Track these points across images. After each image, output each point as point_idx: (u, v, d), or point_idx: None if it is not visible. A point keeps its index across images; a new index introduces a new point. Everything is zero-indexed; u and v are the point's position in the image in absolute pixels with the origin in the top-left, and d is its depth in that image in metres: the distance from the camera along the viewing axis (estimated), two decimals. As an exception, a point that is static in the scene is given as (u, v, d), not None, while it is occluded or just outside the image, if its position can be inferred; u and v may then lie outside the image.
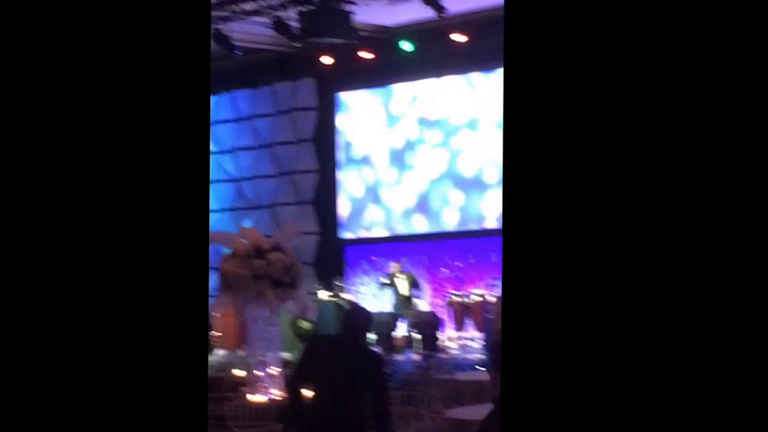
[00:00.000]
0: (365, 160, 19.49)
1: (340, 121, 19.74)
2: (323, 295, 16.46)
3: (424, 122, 18.60)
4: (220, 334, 16.61)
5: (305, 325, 16.39)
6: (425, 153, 18.60)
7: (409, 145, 18.84)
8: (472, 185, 18.10)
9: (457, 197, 18.30)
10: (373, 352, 6.81)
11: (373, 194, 19.38)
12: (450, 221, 18.42)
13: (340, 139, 19.75)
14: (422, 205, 18.73)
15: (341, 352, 5.99)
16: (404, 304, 16.48)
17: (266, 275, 10.04)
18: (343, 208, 19.71)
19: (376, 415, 5.81)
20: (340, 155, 19.74)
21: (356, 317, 6.25)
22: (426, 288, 18.55)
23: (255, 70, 19.76)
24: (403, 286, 16.55)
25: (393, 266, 16.92)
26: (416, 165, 18.75)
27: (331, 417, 5.84)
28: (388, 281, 16.74)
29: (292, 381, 6.34)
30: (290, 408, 6.39)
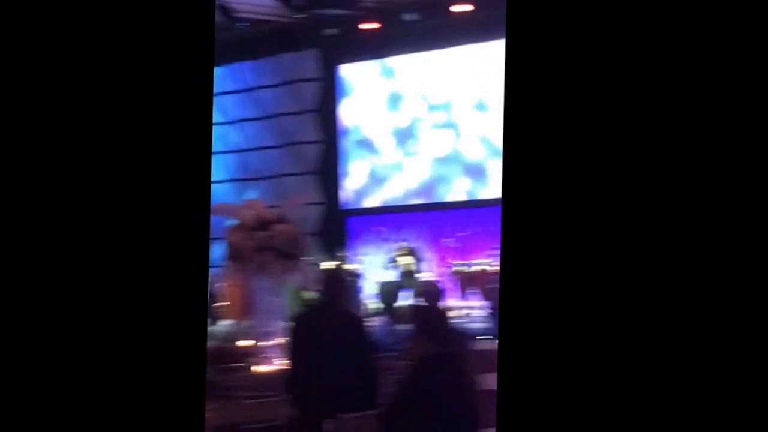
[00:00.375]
0: (369, 131, 19.57)
1: (344, 92, 19.79)
2: (326, 265, 16.56)
3: (428, 94, 18.66)
4: (226, 303, 16.72)
5: (309, 295, 16.49)
6: (429, 125, 18.67)
7: (413, 118, 18.91)
8: (476, 158, 18.17)
9: (461, 170, 18.38)
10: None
11: (376, 166, 19.47)
12: (454, 193, 18.50)
13: (344, 111, 19.82)
14: (426, 180, 18.83)
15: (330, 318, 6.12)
16: (408, 276, 16.60)
17: (271, 246, 10.14)
18: (346, 179, 19.80)
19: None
20: (344, 127, 19.81)
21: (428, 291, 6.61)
22: (428, 259, 18.68)
23: (258, 41, 19.78)
24: (407, 262, 16.65)
25: (398, 248, 16.99)
26: (421, 137, 18.83)
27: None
28: (394, 263, 16.81)
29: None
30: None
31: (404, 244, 17.20)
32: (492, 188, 17.90)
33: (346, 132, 19.81)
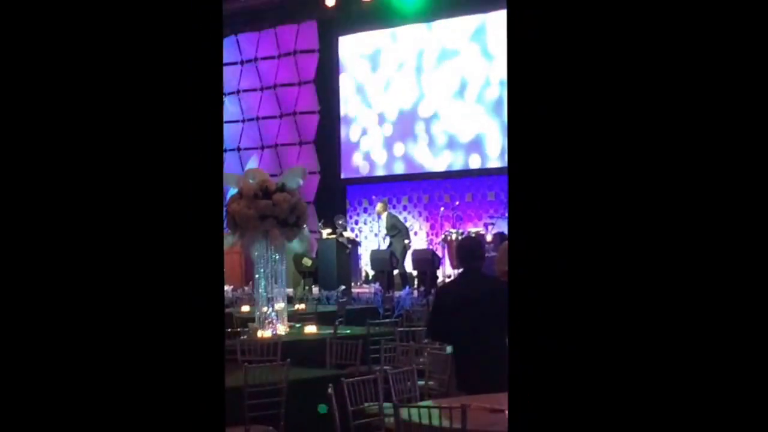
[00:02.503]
0: (367, 101, 19.76)
1: (343, 62, 19.98)
2: (326, 233, 16.79)
3: (429, 63, 18.84)
4: (225, 271, 16.92)
5: (308, 262, 16.75)
6: (429, 93, 18.86)
7: (416, 88, 19.10)
8: (478, 127, 18.37)
9: (459, 137, 18.58)
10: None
11: (375, 134, 19.68)
12: (453, 161, 18.72)
13: (343, 81, 20.00)
14: (426, 149, 19.04)
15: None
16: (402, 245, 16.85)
17: (272, 215, 10.26)
18: (345, 148, 20.02)
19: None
20: (343, 96, 20.01)
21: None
22: (424, 226, 18.97)
23: (259, 13, 19.96)
24: (382, 225, 16.87)
25: (378, 205, 17.24)
26: (422, 106, 19.04)
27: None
28: (393, 233, 17.04)
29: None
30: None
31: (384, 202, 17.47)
32: (491, 158, 18.14)
33: (345, 102, 20.02)
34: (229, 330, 9.85)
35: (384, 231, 17.00)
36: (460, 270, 7.12)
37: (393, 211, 18.09)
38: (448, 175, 18.67)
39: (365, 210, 20.01)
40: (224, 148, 20.93)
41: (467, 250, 6.69)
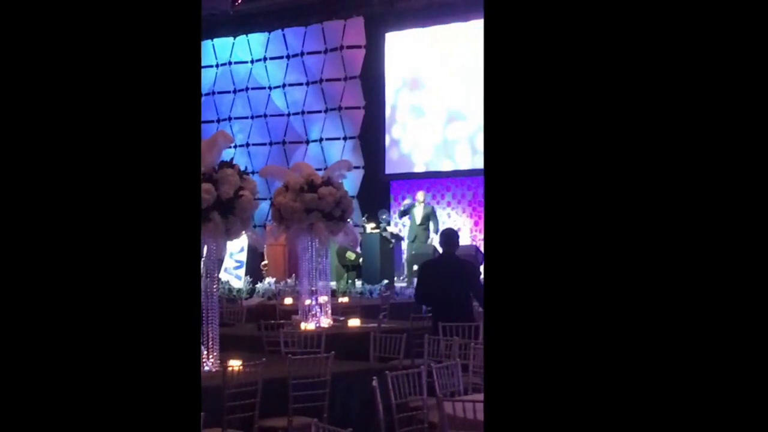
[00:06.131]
0: (412, 98, 19.77)
1: (389, 59, 19.99)
2: (369, 228, 16.83)
3: (476, 61, 18.81)
4: (267, 263, 17.03)
5: (351, 256, 16.78)
6: (474, 92, 18.83)
7: (460, 85, 19.08)
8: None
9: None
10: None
11: (419, 130, 19.68)
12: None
13: (389, 77, 20.01)
14: (468, 146, 19.02)
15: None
16: (417, 233, 16.85)
17: (317, 208, 10.31)
18: (389, 144, 20.04)
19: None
20: (388, 92, 20.02)
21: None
22: (468, 223, 18.96)
23: (306, 8, 20.03)
24: (419, 214, 16.89)
25: (419, 194, 17.25)
26: (466, 103, 19.01)
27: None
28: (405, 209, 17.11)
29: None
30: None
31: (427, 194, 17.47)
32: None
33: (391, 97, 20.04)
34: (272, 321, 9.90)
35: (418, 222, 16.97)
36: (440, 252, 10.04)
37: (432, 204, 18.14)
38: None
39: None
40: (270, 141, 21.06)
41: (446, 237, 9.56)
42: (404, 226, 18.56)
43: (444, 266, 9.38)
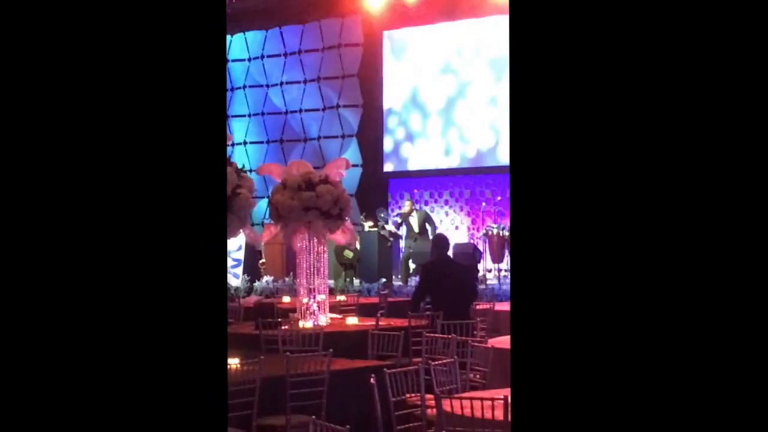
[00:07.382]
0: (410, 96, 19.75)
1: (387, 58, 19.98)
2: (367, 226, 16.82)
3: (473, 60, 18.79)
4: (264, 261, 17.03)
5: (349, 254, 16.79)
6: (474, 90, 18.82)
7: (458, 83, 19.07)
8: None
9: (502, 133, 18.54)
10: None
11: (417, 129, 19.67)
12: (495, 157, 18.67)
13: (386, 75, 20.00)
14: (468, 144, 19.00)
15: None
16: (416, 238, 16.78)
17: (315, 207, 10.27)
18: (387, 142, 20.03)
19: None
20: (386, 90, 20.01)
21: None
22: (465, 221, 18.95)
23: (304, 6, 20.01)
24: (415, 223, 16.82)
25: (406, 204, 17.18)
26: (462, 102, 19.00)
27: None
28: (401, 221, 17.03)
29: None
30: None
31: (413, 202, 17.41)
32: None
33: (389, 96, 20.02)
34: (270, 320, 9.89)
35: (416, 230, 16.86)
36: (434, 256, 10.38)
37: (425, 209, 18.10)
38: (490, 171, 18.59)
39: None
40: (267, 139, 21.04)
41: (438, 240, 10.39)
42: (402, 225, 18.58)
43: (443, 266, 10.06)
